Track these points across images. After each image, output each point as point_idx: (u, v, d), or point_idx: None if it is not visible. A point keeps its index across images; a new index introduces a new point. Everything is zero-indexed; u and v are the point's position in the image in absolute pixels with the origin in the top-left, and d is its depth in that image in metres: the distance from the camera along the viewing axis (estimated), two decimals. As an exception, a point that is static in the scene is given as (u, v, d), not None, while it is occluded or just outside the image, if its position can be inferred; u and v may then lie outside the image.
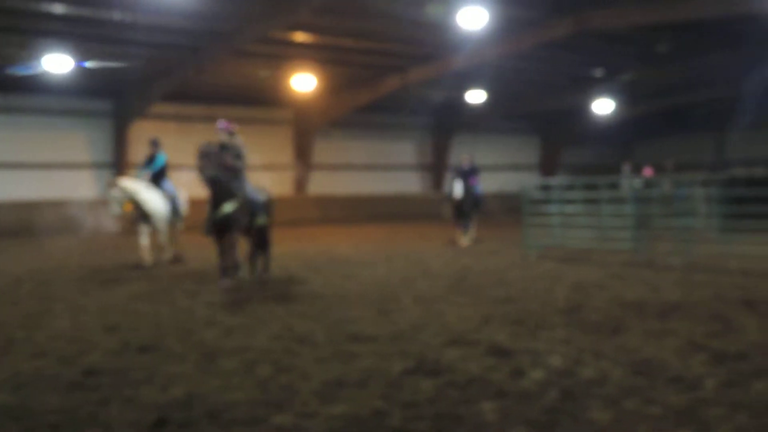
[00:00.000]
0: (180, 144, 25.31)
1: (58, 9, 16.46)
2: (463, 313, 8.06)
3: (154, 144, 13.76)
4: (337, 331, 7.19)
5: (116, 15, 16.95)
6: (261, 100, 27.05)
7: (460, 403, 4.87)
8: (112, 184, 13.18)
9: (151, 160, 13.62)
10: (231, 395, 5.19)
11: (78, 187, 23.51)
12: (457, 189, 16.04)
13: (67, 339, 7.03)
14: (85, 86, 22.42)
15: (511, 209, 23.51)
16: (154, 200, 12.99)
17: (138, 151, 24.62)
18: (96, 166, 24.29)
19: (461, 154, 16.06)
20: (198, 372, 5.82)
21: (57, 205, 21.93)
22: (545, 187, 16.10)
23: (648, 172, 24.11)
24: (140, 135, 24.69)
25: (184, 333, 7.28)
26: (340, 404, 4.90)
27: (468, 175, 16.64)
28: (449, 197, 16.33)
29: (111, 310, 8.58)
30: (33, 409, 4.89)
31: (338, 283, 10.76)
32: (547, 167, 36.11)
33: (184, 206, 13.87)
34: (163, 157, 13.65)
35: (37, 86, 21.53)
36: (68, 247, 17.07)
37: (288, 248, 16.07)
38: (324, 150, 29.80)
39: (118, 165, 24.33)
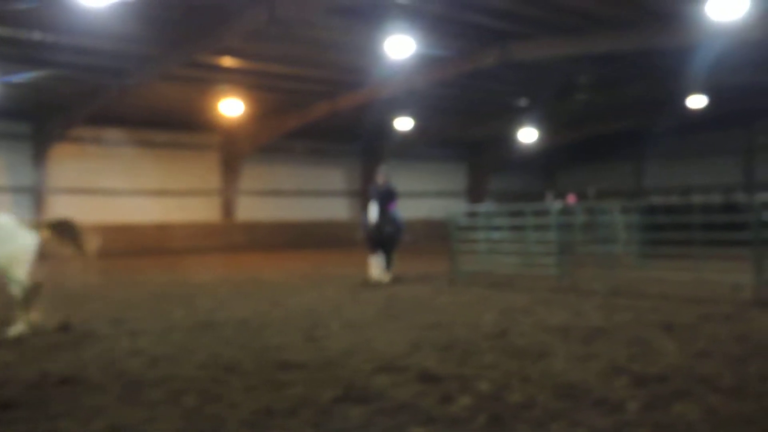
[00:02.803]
0: (100, 168, 24.86)
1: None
2: (392, 339, 8.09)
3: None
4: (266, 359, 7.12)
5: (36, 35, 16.49)
6: (188, 125, 26.73)
7: (390, 429, 4.88)
8: None
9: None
10: (156, 426, 5.07)
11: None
12: (372, 212, 14.17)
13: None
14: (3, 108, 21.68)
15: (438, 236, 23.79)
16: None
17: (59, 175, 23.98)
18: (14, 190, 23.45)
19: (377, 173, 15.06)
20: (121, 404, 5.66)
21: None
22: (472, 214, 16.33)
23: (571, 199, 24.73)
24: (61, 158, 24.09)
25: (107, 364, 7.07)
26: (270, 434, 4.84)
27: (385, 197, 14.42)
28: (363, 223, 14.73)
29: (28, 341, 8.26)
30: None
31: (266, 309, 10.67)
32: (474, 194, 36.76)
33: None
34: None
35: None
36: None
37: (216, 274, 15.82)
38: (252, 175, 29.61)
39: (38, 189, 23.55)
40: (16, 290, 8.69)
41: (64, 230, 9.38)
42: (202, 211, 28.26)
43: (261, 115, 26.21)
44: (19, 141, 23.53)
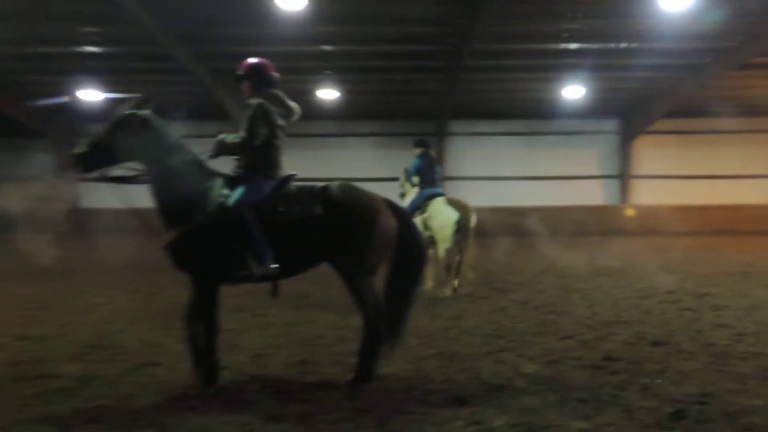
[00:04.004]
0: (679, 156, 24.25)
1: (572, 46, 17.07)
2: None
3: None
4: None
5: (622, 45, 16.85)
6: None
7: None
8: None
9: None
10: (747, 400, 4.63)
11: (588, 195, 24.30)
12: None
13: (587, 326, 7.18)
14: (594, 109, 22.96)
15: None
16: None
17: (641, 165, 24.27)
18: (603, 177, 24.67)
19: None
20: (711, 372, 5.35)
21: (562, 211, 23.08)
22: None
23: None
24: (642, 150, 24.27)
25: (694, 333, 6.79)
26: None
27: None
28: None
29: (621, 305, 8.50)
30: (563, 382, 5.09)
31: None
32: None
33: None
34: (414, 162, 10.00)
35: (554, 112, 22.89)
36: (578, 248, 17.47)
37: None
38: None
39: (623, 177, 24.28)
40: (442, 257, 9.18)
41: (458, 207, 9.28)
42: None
43: None
44: (607, 136, 24.54)
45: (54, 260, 13.17)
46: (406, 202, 9.79)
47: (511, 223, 21.67)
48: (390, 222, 4.88)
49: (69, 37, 16.49)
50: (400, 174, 10.73)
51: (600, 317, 7.66)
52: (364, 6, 14.66)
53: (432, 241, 9.12)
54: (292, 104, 5.13)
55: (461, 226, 9.14)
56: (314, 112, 22.44)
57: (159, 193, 4.74)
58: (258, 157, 4.89)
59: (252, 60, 5.16)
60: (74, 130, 22.39)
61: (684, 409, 4.44)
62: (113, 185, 4.79)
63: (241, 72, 5.12)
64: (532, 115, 23.87)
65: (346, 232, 4.75)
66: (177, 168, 4.73)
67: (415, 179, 9.95)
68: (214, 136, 5.16)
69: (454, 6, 14.75)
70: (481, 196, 24.03)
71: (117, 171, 4.81)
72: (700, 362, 5.64)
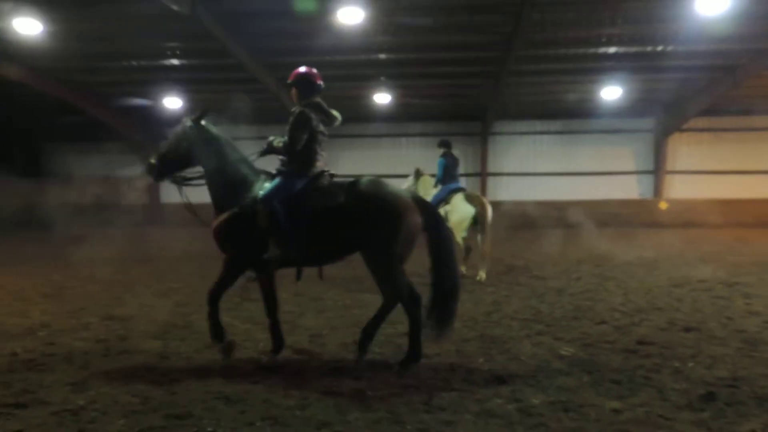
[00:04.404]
0: (712, 153, 23.28)
1: (611, 50, 16.57)
2: None
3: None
4: None
5: (659, 48, 16.27)
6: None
7: None
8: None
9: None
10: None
11: (624, 190, 23.58)
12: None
13: (621, 312, 6.97)
14: (629, 109, 22.27)
15: None
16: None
17: (676, 161, 23.40)
18: (639, 173, 23.90)
19: None
20: (741, 357, 5.11)
21: (599, 204, 22.39)
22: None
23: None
24: (677, 147, 23.44)
25: (725, 320, 6.50)
26: None
27: None
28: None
29: (655, 292, 8.21)
30: (598, 364, 4.95)
31: None
32: None
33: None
34: (441, 161, 10.03)
35: (592, 112, 22.31)
36: (614, 239, 16.95)
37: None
38: None
39: (658, 172, 23.47)
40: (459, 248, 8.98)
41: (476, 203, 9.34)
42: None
43: None
44: (643, 134, 23.74)
45: (136, 249, 13.59)
46: (429, 197, 9.78)
47: (552, 216, 21.36)
48: (414, 216, 4.75)
49: (154, 52, 17.00)
50: (426, 170, 10.64)
51: (634, 304, 7.42)
52: (416, 17, 14.63)
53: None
54: (333, 112, 5.18)
55: (479, 220, 9.30)
56: (369, 115, 22.50)
57: (213, 189, 5.06)
58: (296, 157, 4.97)
59: (301, 69, 5.18)
60: (156, 133, 23.08)
61: (715, 392, 4.25)
62: (179, 186, 5.19)
63: (290, 80, 5.17)
64: (571, 114, 23.30)
65: (371, 224, 4.71)
66: (227, 168, 5.01)
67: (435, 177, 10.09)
68: (264, 138, 5.34)
69: (499, 15, 14.54)
70: (523, 191, 23.71)
71: (182, 173, 5.20)
72: (731, 347, 5.39)
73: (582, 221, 19.49)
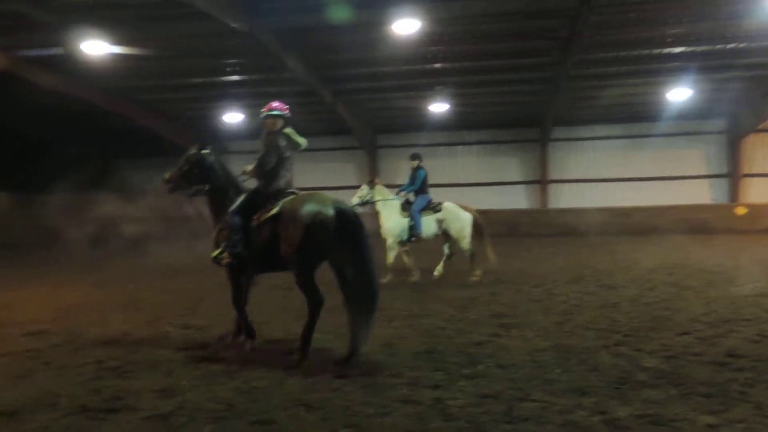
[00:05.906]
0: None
1: (677, 50, 16.11)
2: None
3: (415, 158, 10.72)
4: None
5: (728, 45, 15.72)
6: None
7: None
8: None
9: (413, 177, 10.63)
10: None
11: (695, 194, 22.74)
12: None
13: (704, 323, 6.72)
14: (699, 110, 21.54)
15: None
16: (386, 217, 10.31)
17: (752, 163, 22.44)
18: (711, 177, 23.01)
19: None
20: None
21: (667, 210, 21.61)
22: None
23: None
24: (752, 148, 22.51)
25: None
26: None
27: None
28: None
29: (740, 302, 7.88)
30: (685, 377, 4.79)
31: None
32: None
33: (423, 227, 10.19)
34: (422, 173, 10.51)
35: (656, 115, 21.71)
36: (685, 247, 16.38)
37: None
38: None
39: (733, 175, 22.54)
40: (467, 253, 10.21)
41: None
42: None
43: None
44: (714, 136, 22.90)
45: (202, 260, 13.94)
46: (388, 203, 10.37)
47: (615, 223, 20.86)
48: (322, 226, 5.22)
49: (214, 68, 17.58)
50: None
51: (717, 314, 7.14)
52: (471, 25, 14.63)
53: (448, 239, 10.30)
54: (300, 139, 6.03)
55: (476, 224, 10.25)
56: (425, 124, 22.54)
57: (210, 203, 6.12)
58: (262, 176, 5.82)
59: (273, 103, 5.99)
60: (218, 147, 23.76)
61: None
62: (189, 197, 6.36)
63: (264, 112, 5.96)
64: (635, 118, 22.72)
65: (285, 235, 5.34)
66: (221, 187, 6.04)
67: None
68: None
69: (555, 20, 14.37)
70: (585, 198, 23.20)
71: (191, 189, 6.26)
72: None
73: (649, 228, 18.93)
